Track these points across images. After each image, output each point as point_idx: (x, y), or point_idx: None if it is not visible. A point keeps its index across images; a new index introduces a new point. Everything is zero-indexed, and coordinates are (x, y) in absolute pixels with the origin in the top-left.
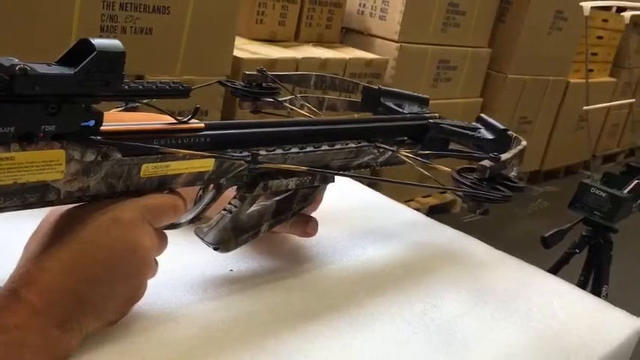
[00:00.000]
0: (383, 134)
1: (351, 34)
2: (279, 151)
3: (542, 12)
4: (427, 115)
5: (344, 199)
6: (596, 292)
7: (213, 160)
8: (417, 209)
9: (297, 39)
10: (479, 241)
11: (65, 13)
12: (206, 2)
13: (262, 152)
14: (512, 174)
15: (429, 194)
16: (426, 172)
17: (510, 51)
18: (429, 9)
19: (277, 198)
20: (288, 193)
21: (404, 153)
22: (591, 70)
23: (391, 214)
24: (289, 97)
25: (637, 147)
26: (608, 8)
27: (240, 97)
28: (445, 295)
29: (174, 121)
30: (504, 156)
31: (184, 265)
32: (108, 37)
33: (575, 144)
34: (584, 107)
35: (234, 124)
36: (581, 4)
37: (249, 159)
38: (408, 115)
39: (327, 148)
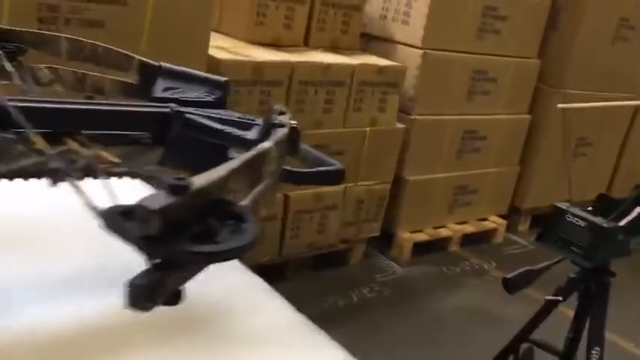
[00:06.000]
0: (87, 126)
1: (374, 42)
2: None
3: (602, 19)
4: (179, 99)
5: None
6: (588, 354)
7: None
8: (449, 237)
9: (307, 44)
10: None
11: None
12: None
13: None
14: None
15: (464, 220)
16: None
17: (564, 63)
18: (459, 13)
19: None
20: None
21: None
22: None
23: None
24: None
25: None
26: None
27: None
28: None
29: None
30: (200, 179)
31: None
32: (48, 29)
33: None
34: (558, 105)
35: None
36: None
37: None
38: (143, 102)
39: None
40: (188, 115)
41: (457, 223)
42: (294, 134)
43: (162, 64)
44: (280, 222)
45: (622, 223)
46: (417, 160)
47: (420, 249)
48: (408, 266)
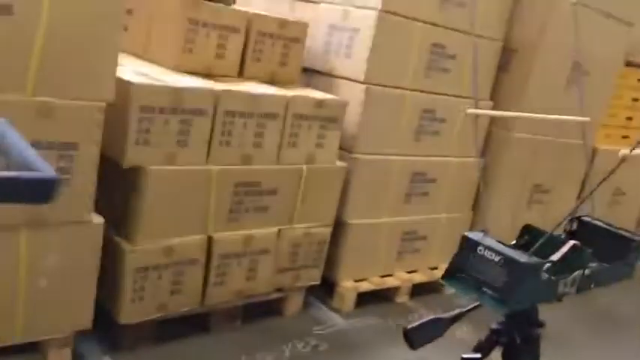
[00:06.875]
0: None
1: (317, 77)
2: None
3: (554, 63)
4: None
5: None
6: None
7: None
8: (396, 287)
9: (241, 75)
10: None
11: None
12: (68, 4)
13: None
14: None
15: (414, 269)
16: None
17: (516, 106)
18: (405, 48)
19: None
20: None
21: None
22: (626, 137)
23: None
24: None
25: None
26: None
27: None
28: None
29: None
30: None
31: None
32: None
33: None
34: (467, 110)
35: None
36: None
37: None
38: None
39: None
40: None
41: (406, 272)
42: None
43: None
44: (203, 267)
45: (555, 257)
46: (360, 203)
47: (365, 299)
48: (350, 318)
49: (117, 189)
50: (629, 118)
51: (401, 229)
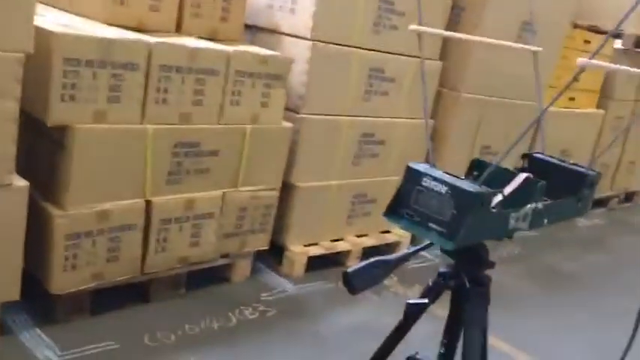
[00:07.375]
0: None
1: (260, 34)
2: None
3: (502, 21)
4: None
5: None
6: None
7: None
8: (347, 251)
9: (179, 31)
10: None
11: None
12: None
13: None
14: None
15: (364, 232)
16: None
17: (464, 66)
18: (352, 2)
19: None
20: None
21: None
22: (572, 99)
23: None
24: None
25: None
26: (589, 28)
27: None
28: None
29: None
30: None
31: None
32: None
33: None
34: (410, 27)
35: None
36: None
37: None
38: None
39: None
40: None
41: (356, 236)
42: None
43: None
44: (141, 233)
45: (506, 191)
46: (308, 165)
47: (315, 264)
48: (300, 283)
49: (42, 149)
50: (576, 80)
51: (350, 191)
